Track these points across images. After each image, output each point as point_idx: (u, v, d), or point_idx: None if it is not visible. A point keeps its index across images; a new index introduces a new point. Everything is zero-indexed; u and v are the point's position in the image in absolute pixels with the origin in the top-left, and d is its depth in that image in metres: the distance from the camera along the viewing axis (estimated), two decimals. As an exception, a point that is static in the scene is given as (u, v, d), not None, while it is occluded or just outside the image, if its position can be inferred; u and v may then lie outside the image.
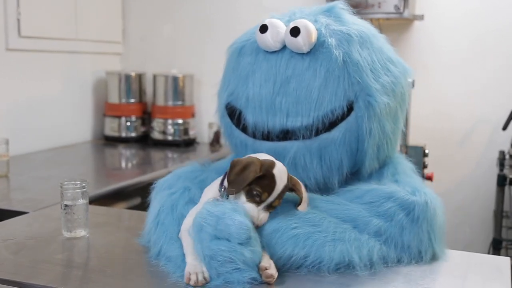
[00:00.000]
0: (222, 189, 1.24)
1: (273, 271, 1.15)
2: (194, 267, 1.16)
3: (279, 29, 1.39)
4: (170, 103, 3.27)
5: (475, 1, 2.95)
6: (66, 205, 1.45)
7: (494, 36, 2.93)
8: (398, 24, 3.02)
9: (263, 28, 1.40)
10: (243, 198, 1.19)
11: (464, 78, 3.00)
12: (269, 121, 1.38)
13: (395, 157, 1.51)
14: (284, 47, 1.40)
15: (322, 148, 1.37)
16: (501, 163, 2.66)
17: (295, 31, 1.35)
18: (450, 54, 3.01)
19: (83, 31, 3.17)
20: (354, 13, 1.49)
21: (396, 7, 2.76)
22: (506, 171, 2.58)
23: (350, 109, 1.36)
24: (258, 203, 1.18)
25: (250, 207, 1.17)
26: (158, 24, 3.53)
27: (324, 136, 1.36)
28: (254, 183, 1.17)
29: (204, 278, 1.14)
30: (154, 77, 3.32)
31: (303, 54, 1.37)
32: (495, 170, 2.85)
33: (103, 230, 1.53)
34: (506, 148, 2.89)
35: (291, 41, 1.37)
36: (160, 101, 3.29)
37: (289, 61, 1.38)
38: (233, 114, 1.47)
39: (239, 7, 3.34)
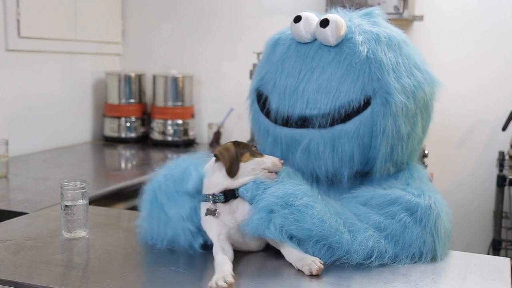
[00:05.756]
0: (211, 196, 1.30)
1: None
2: (215, 276, 1.14)
3: (312, 21, 1.46)
4: (169, 103, 3.27)
5: (475, 2, 2.95)
6: (66, 206, 1.45)
7: (494, 37, 2.93)
8: (398, 24, 2.98)
9: (297, 19, 1.47)
10: (249, 167, 1.30)
11: (463, 79, 3.00)
12: (289, 107, 1.44)
13: (413, 165, 1.54)
14: (315, 40, 1.46)
15: (335, 139, 1.41)
16: (501, 163, 2.66)
17: (324, 22, 1.42)
18: (449, 54, 3.01)
19: (82, 31, 3.17)
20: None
21: (396, 7, 2.76)
22: (505, 171, 2.58)
23: (367, 103, 1.40)
24: (260, 155, 1.33)
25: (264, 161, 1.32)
26: (157, 24, 3.53)
27: (339, 127, 1.40)
28: (241, 151, 1.32)
29: (225, 281, 1.12)
30: (154, 77, 3.32)
31: (330, 47, 1.43)
32: (494, 171, 2.85)
33: (103, 231, 1.53)
34: (505, 149, 2.89)
35: (320, 31, 1.43)
36: (160, 102, 3.29)
37: (317, 52, 1.44)
38: (260, 99, 1.55)
39: (238, 8, 3.34)
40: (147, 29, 3.55)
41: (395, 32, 1.50)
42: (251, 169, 1.30)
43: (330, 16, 1.43)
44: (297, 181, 1.32)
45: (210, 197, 1.29)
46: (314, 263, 1.21)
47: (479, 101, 2.99)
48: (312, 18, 1.47)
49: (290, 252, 1.25)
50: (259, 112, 1.55)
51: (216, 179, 1.30)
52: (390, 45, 1.44)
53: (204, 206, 1.31)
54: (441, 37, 3.02)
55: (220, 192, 1.29)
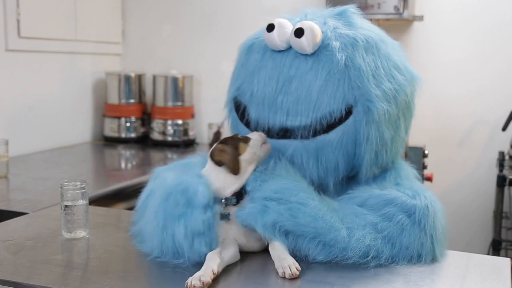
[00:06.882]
0: (223, 200, 1.29)
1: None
2: (195, 274, 1.16)
3: (286, 29, 1.42)
4: (169, 103, 3.27)
5: (475, 2, 2.95)
6: (66, 206, 1.45)
7: (494, 37, 2.93)
8: (398, 24, 3.02)
9: (270, 27, 1.43)
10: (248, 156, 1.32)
11: (463, 79, 3.00)
12: (270, 119, 1.41)
13: (398, 163, 1.52)
14: (290, 47, 1.42)
15: (319, 149, 1.38)
16: (501, 163, 2.66)
17: (299, 32, 1.37)
18: (449, 55, 3.01)
19: (82, 31, 3.17)
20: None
21: (396, 7, 2.76)
22: (505, 171, 2.58)
23: (349, 112, 1.37)
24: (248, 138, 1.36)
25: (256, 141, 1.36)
26: (157, 24, 3.53)
27: (322, 137, 1.38)
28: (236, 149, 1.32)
29: (200, 280, 1.13)
30: (154, 77, 3.32)
31: (307, 55, 1.39)
32: (494, 171, 2.85)
33: (102, 231, 1.53)
34: (505, 149, 2.89)
35: (295, 41, 1.39)
36: (160, 102, 3.29)
37: (293, 61, 1.40)
38: (239, 108, 1.51)
39: (238, 8, 3.34)
40: (147, 29, 3.55)
41: (371, 32, 1.45)
42: (252, 154, 1.32)
43: (305, 24, 1.38)
44: (295, 178, 1.32)
45: (223, 201, 1.28)
46: (290, 267, 1.20)
47: (479, 101, 2.98)
48: (286, 25, 1.42)
49: (275, 250, 1.25)
50: (238, 121, 1.52)
51: (227, 182, 1.29)
52: (368, 48, 1.40)
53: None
54: (441, 37, 3.01)
55: (232, 195, 1.29)
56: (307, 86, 1.37)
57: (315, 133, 1.38)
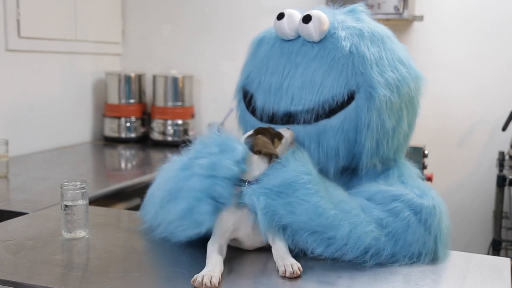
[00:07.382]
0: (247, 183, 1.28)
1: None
2: (204, 271, 1.16)
3: (295, 17, 1.47)
4: (169, 103, 3.27)
5: (475, 2, 2.95)
6: (66, 206, 1.45)
7: (494, 37, 2.93)
8: (398, 24, 3.02)
9: (280, 16, 1.48)
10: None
11: (463, 79, 3.00)
12: (275, 104, 1.45)
13: (402, 162, 1.53)
14: (299, 36, 1.47)
15: (320, 134, 1.41)
16: (501, 163, 2.66)
17: (306, 18, 1.43)
18: (449, 55, 3.01)
19: (82, 31, 3.17)
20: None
21: (396, 8, 2.76)
22: (505, 171, 2.58)
23: (351, 98, 1.40)
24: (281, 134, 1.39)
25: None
26: (157, 24, 3.53)
27: (323, 122, 1.41)
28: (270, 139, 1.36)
29: (211, 282, 1.13)
30: (154, 77, 3.32)
31: (313, 43, 1.44)
32: (494, 171, 2.85)
33: (103, 231, 1.53)
34: (505, 149, 2.89)
35: (302, 28, 1.44)
36: (160, 102, 3.30)
37: (300, 49, 1.45)
38: (246, 97, 1.55)
39: (238, 8, 3.34)
40: (147, 29, 3.55)
41: (378, 27, 1.51)
42: (281, 151, 1.33)
43: (313, 12, 1.44)
44: (301, 166, 1.30)
45: (245, 183, 1.28)
46: (291, 266, 1.20)
47: (479, 101, 2.98)
48: (295, 15, 1.47)
49: (278, 250, 1.25)
50: (245, 111, 1.55)
51: (257, 167, 1.29)
52: (374, 40, 1.45)
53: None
54: (441, 37, 3.01)
55: (253, 180, 1.29)
56: (312, 72, 1.42)
57: (317, 118, 1.41)
